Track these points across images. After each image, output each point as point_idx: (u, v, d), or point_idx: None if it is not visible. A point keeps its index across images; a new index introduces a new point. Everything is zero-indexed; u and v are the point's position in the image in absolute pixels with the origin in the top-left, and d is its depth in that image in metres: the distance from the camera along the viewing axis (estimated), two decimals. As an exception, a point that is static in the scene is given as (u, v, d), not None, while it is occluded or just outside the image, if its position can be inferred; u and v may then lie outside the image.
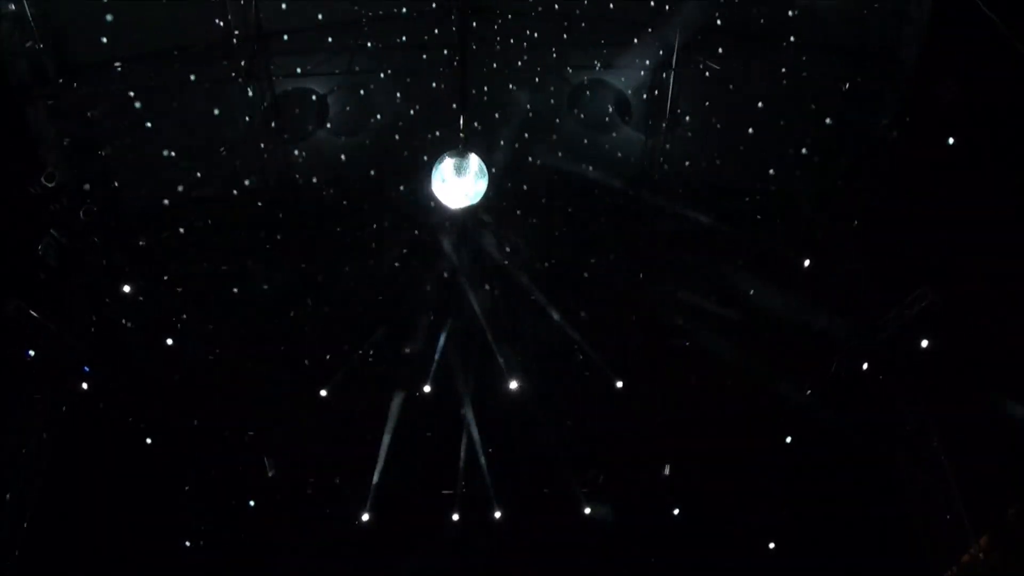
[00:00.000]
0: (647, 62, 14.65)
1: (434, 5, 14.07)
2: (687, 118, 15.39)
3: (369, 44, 14.33)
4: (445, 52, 14.35)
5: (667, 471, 18.97)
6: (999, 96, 11.86)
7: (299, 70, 14.55)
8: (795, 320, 15.89)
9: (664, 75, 14.53)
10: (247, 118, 14.49)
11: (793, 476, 17.25)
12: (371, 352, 17.19)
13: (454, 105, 14.39)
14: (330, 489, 18.76)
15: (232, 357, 16.75)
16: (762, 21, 14.24)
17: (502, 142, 15.41)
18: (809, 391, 16.31)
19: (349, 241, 16.21)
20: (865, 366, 15.34)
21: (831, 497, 16.45)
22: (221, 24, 13.30)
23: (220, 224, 15.75)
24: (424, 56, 14.57)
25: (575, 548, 19.12)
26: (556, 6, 14.27)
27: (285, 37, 14.24)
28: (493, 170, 14.25)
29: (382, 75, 14.84)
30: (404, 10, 14.22)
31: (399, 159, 15.79)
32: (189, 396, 16.69)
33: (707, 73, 14.62)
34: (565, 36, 14.55)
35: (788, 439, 16.87)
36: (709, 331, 17.04)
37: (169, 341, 15.51)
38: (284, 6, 13.89)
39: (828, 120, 15.04)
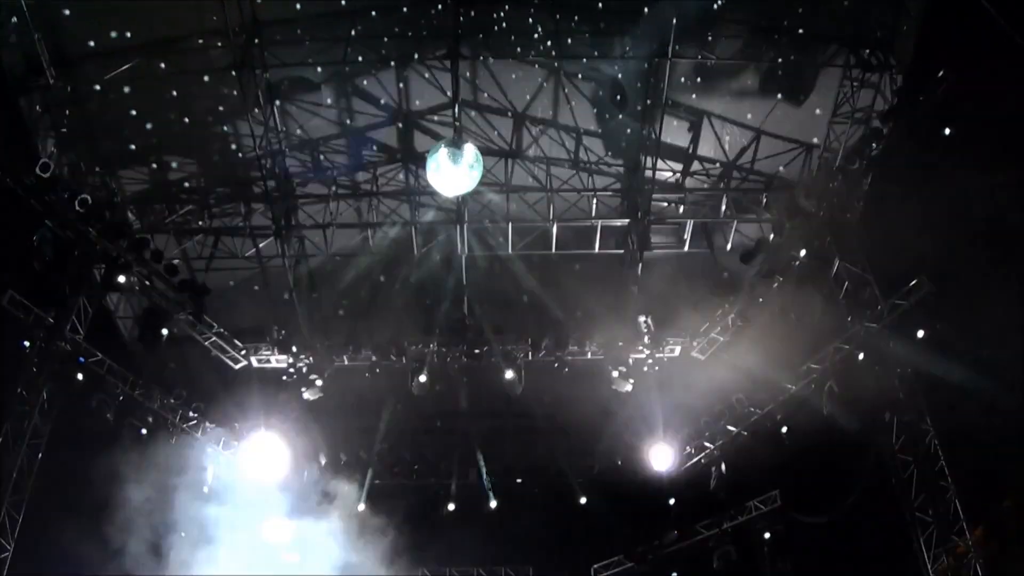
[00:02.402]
0: (643, 51, 14.61)
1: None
2: (682, 107, 15.38)
3: (364, 34, 14.30)
4: (440, 42, 14.32)
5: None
6: (996, 87, 11.81)
7: (294, 60, 14.53)
8: (792, 313, 15.88)
9: (660, 64, 14.47)
10: (242, 107, 14.44)
11: (788, 468, 17.24)
12: (369, 338, 17.16)
13: (448, 94, 14.43)
14: (327, 479, 18.73)
15: (227, 346, 16.79)
16: (758, 11, 14.24)
17: (497, 131, 15.40)
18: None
19: (341, 229, 16.22)
20: (860, 356, 15.30)
21: (826, 488, 16.45)
22: (216, 14, 13.24)
23: (214, 213, 15.78)
24: (419, 46, 14.55)
25: (570, 538, 19.17)
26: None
27: (280, 27, 14.22)
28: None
29: (377, 65, 14.81)
30: (400, 0, 14.24)
31: (393, 148, 15.78)
32: (185, 386, 16.67)
33: (702, 62, 14.69)
34: (561, 26, 14.51)
35: (784, 429, 16.82)
36: (707, 324, 17.08)
37: (164, 331, 15.48)
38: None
39: (824, 109, 15.04)
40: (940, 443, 14.27)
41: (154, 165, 15.16)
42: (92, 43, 13.57)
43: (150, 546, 15.57)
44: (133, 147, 14.87)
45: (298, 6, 14.05)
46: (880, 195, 14.97)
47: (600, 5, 14.22)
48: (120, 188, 15.24)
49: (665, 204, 16.62)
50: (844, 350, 15.57)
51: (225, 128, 14.89)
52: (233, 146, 15.28)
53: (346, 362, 17.11)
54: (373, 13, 14.26)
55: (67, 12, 13.11)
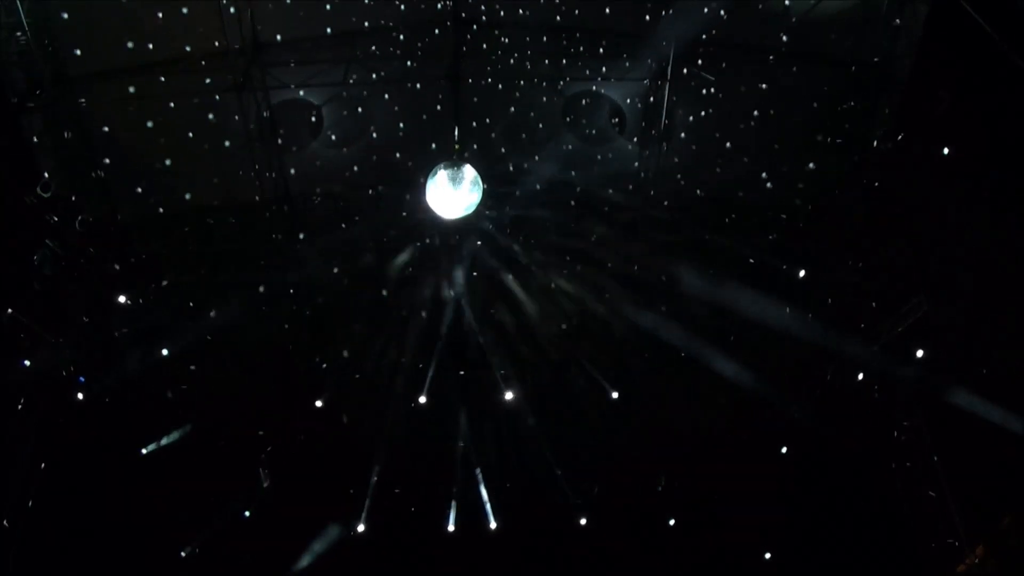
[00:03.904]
0: (642, 74, 14.71)
1: (440, 13, 14.16)
2: (682, 129, 15.45)
3: (364, 56, 14.39)
4: (440, 64, 14.40)
5: (662, 484, 18.82)
6: (992, 107, 11.87)
7: (294, 82, 14.61)
8: (790, 331, 15.88)
9: (659, 86, 14.57)
10: (243, 129, 14.50)
11: (788, 487, 17.20)
12: (366, 363, 17.15)
13: (449, 116, 14.50)
14: (325, 500, 18.63)
15: (227, 366, 16.75)
16: (756, 33, 14.33)
17: (496, 154, 15.45)
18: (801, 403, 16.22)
19: (343, 251, 16.23)
20: (860, 376, 15.33)
21: (827, 507, 16.42)
22: (217, 35, 13.32)
23: (215, 234, 15.78)
24: (419, 68, 14.63)
25: (570, 559, 19.04)
26: (550, 18, 14.34)
27: (281, 48, 14.31)
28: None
29: (377, 86, 14.88)
30: (400, 22, 14.32)
31: (394, 170, 15.83)
32: (184, 406, 16.63)
33: (702, 84, 14.76)
34: (560, 48, 14.61)
35: (784, 449, 16.82)
36: (704, 342, 17.07)
37: (164, 351, 15.46)
38: (280, 17, 13.98)
39: (822, 131, 15.11)
40: (940, 461, 14.27)
41: (155, 185, 15.12)
42: (94, 63, 13.62)
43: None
44: (134, 167, 14.86)
45: (292, 31, 14.20)
46: (878, 213, 14.99)
47: (600, 28, 14.32)
48: (120, 208, 15.21)
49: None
50: (842, 371, 15.62)
51: (226, 148, 14.85)
52: (234, 166, 15.25)
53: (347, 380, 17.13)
54: (374, 35, 14.36)
55: (69, 31, 13.18)
